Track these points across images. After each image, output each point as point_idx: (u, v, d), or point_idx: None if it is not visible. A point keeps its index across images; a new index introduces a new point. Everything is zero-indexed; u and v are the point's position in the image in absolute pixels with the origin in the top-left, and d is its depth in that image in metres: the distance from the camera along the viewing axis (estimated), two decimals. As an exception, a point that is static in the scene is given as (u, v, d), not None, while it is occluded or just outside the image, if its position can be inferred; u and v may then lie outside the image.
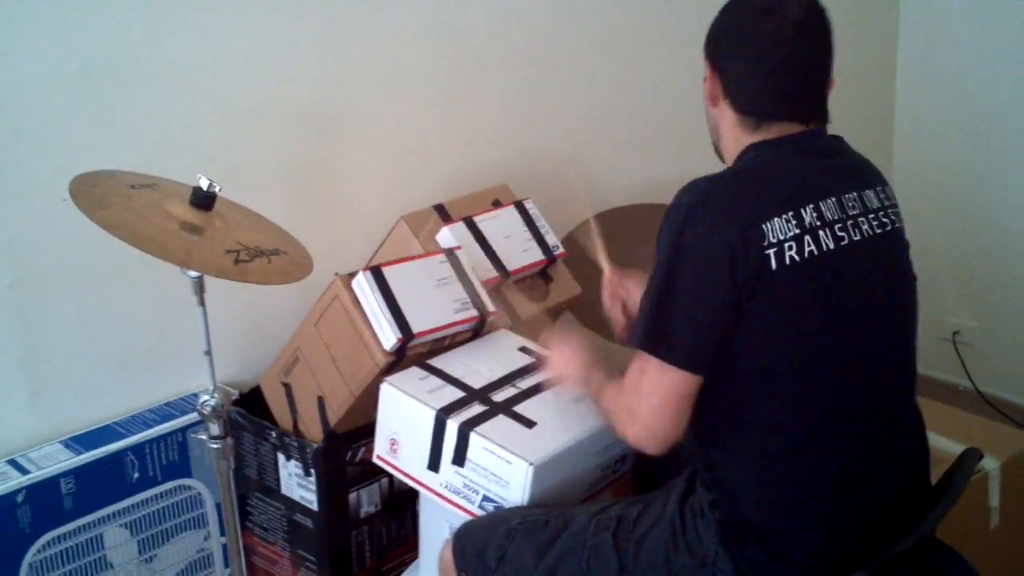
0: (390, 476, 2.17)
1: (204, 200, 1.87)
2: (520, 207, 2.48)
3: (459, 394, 2.03)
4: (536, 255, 2.44)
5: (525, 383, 2.10)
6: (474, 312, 2.21)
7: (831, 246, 1.64)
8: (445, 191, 2.54)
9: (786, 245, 1.59)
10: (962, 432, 2.48)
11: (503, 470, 1.89)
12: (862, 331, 1.68)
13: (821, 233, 1.63)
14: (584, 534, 1.79)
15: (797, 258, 1.60)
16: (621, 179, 3.09)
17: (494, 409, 2.00)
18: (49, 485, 2.12)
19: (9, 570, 2.10)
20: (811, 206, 1.64)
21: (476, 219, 2.40)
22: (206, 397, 1.97)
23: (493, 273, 2.35)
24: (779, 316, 1.61)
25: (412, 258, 2.22)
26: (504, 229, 2.43)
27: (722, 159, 1.83)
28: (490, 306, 2.24)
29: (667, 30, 3.06)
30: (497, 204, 2.49)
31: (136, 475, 2.26)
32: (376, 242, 2.42)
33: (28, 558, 2.12)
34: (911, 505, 1.74)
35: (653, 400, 1.65)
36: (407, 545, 2.42)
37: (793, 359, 1.62)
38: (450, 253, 2.25)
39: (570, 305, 2.56)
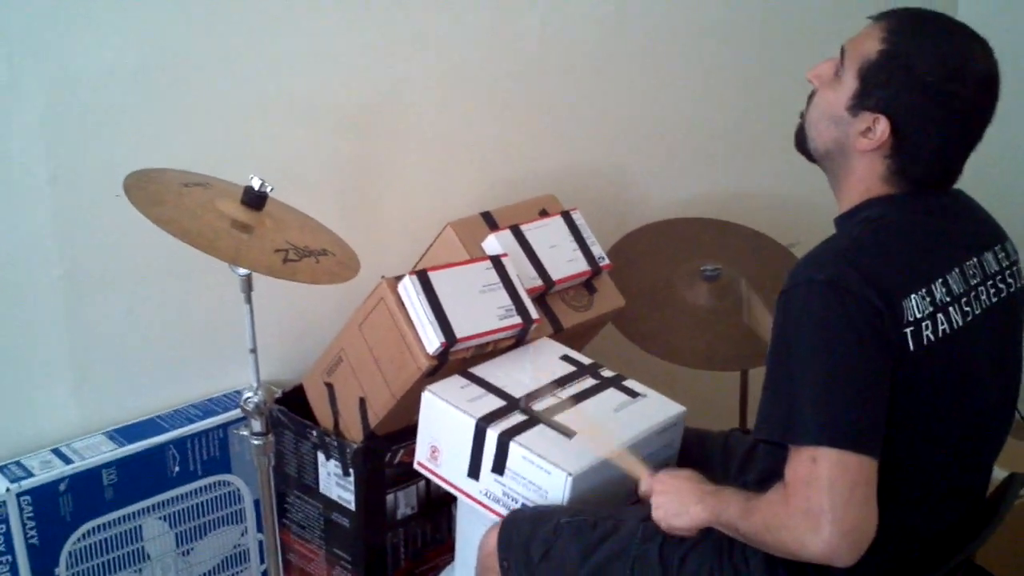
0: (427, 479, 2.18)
1: (255, 199, 1.89)
2: (567, 217, 2.48)
3: (499, 403, 2.04)
4: (581, 265, 2.44)
5: (566, 392, 2.10)
6: (518, 319, 2.21)
7: (960, 323, 1.57)
8: (492, 199, 2.55)
9: (923, 324, 1.52)
10: (1008, 457, 2.45)
11: (542, 479, 1.89)
12: (982, 410, 1.64)
13: (951, 309, 1.56)
14: (631, 541, 1.78)
15: (932, 338, 1.52)
16: (667, 192, 3.09)
17: (534, 419, 2.00)
18: (91, 475, 2.15)
19: (49, 557, 2.13)
20: (940, 280, 1.57)
21: (523, 227, 2.40)
22: (249, 394, 1.99)
23: (538, 282, 2.35)
24: (912, 401, 1.52)
25: (458, 263, 2.22)
26: (550, 239, 2.42)
27: (826, 172, 1.72)
28: (534, 314, 2.24)
29: (716, 44, 3.05)
30: (544, 214, 2.49)
31: (177, 469, 2.28)
32: (422, 247, 2.43)
33: (68, 546, 2.14)
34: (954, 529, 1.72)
35: (839, 491, 1.43)
36: (442, 547, 2.43)
37: (917, 446, 1.55)
38: (496, 260, 2.26)
39: (614, 317, 2.55)
